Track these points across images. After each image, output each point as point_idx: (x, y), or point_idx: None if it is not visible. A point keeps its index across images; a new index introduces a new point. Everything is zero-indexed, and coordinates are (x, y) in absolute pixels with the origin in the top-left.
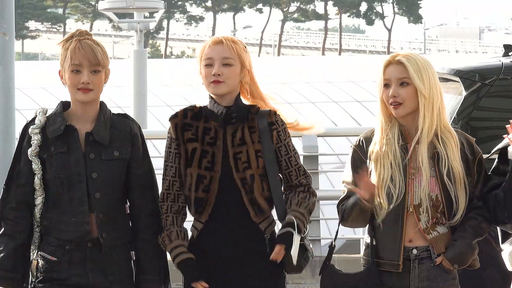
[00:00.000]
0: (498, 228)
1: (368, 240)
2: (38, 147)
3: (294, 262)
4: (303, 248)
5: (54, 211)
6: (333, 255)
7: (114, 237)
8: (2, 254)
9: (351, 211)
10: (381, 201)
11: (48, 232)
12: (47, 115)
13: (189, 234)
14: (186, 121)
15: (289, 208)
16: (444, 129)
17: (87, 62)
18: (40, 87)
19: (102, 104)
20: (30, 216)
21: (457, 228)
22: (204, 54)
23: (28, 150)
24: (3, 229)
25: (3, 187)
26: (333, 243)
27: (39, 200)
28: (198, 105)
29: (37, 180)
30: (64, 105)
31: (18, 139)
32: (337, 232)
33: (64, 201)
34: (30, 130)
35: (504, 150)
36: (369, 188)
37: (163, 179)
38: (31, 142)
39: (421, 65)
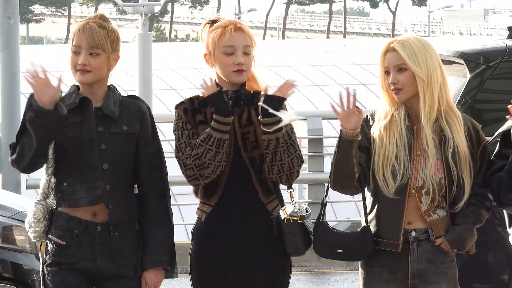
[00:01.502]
0: (505, 212)
1: (367, 219)
2: None
3: (284, 120)
4: (305, 232)
5: (65, 182)
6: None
7: (121, 211)
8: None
9: (337, 150)
10: (387, 179)
11: (60, 204)
12: (62, 94)
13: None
14: (195, 107)
15: None
16: (448, 109)
17: (85, 44)
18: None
19: (112, 87)
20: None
21: (459, 213)
22: (224, 41)
23: None
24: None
25: (10, 149)
26: (325, 199)
27: (49, 170)
28: (202, 94)
29: (49, 150)
30: (77, 87)
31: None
32: (327, 189)
33: (76, 169)
34: None
35: (506, 134)
36: (349, 112)
37: (181, 149)
38: None
39: (417, 49)
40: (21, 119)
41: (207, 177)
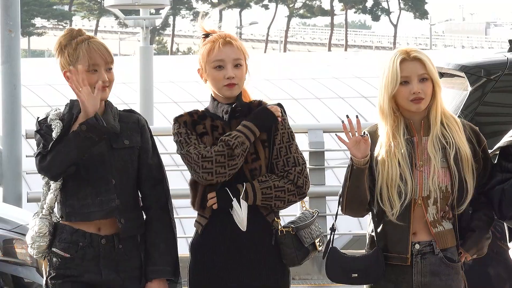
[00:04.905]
0: (505, 226)
1: (373, 233)
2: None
3: (243, 226)
4: (300, 243)
5: (74, 197)
6: (340, 250)
7: (130, 226)
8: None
9: (346, 180)
10: (392, 200)
11: (69, 219)
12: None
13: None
14: (194, 119)
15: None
16: (447, 113)
17: (103, 61)
18: (47, 84)
19: (108, 101)
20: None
21: (472, 216)
22: (214, 55)
23: (53, 134)
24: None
25: (37, 156)
26: (334, 224)
27: (57, 185)
28: (200, 110)
29: None
30: (74, 102)
31: (24, 136)
32: (336, 214)
33: (87, 183)
34: (50, 116)
35: (504, 149)
36: (356, 140)
37: (195, 146)
38: (52, 128)
39: (430, 59)
40: (21, 132)
41: (222, 175)
